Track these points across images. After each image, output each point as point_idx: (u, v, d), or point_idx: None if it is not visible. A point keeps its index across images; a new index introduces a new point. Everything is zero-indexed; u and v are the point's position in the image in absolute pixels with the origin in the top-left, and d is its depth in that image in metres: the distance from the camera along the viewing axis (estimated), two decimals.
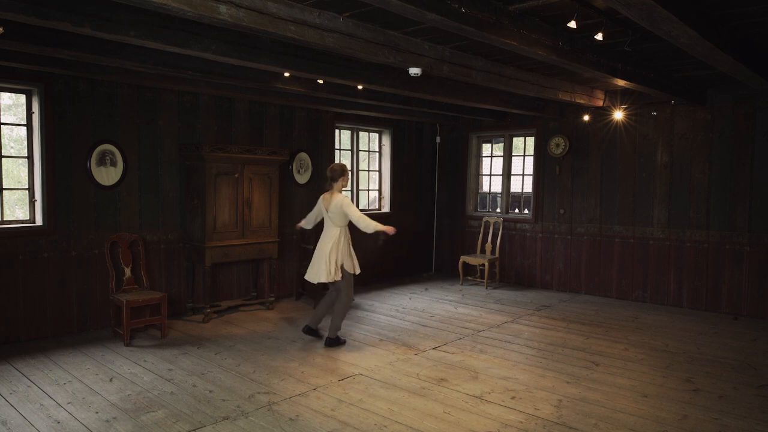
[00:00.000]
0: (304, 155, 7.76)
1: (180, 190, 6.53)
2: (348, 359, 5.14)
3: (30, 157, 5.59)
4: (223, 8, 3.28)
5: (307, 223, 5.84)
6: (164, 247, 6.44)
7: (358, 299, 7.62)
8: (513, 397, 4.27)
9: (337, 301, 5.52)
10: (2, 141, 5.56)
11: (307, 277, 5.53)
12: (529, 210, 8.95)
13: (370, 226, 5.35)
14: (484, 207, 9.60)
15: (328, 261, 5.34)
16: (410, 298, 7.75)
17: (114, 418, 3.84)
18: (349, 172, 5.61)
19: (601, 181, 7.97)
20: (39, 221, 5.58)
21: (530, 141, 8.78)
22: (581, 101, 6.85)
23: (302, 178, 7.76)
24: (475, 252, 9.09)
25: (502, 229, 8.76)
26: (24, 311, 5.46)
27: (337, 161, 8.35)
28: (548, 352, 5.41)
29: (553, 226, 8.45)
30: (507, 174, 9.09)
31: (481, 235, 8.92)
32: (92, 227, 5.85)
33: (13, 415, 3.87)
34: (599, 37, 4.20)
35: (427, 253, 9.87)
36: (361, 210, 8.93)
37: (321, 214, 5.61)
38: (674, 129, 7.36)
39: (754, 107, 6.75)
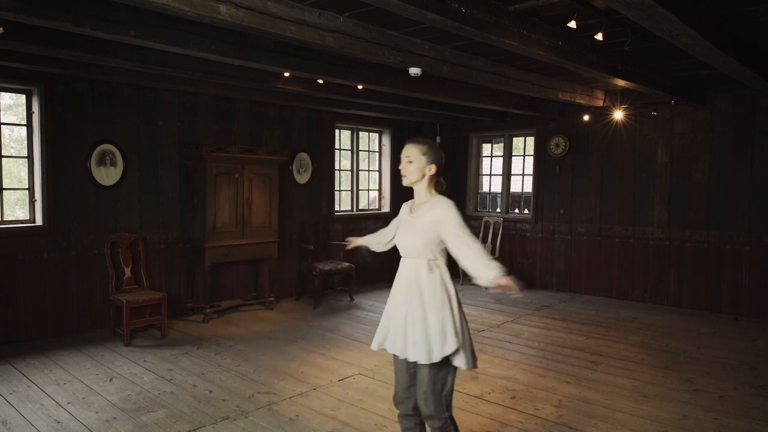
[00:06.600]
0: (304, 155, 7.76)
1: (180, 190, 6.53)
2: (348, 359, 5.13)
3: (30, 157, 5.58)
4: (223, 8, 3.28)
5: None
6: (164, 247, 6.44)
7: (358, 299, 7.62)
8: (513, 397, 4.27)
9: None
10: (2, 141, 5.56)
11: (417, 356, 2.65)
12: (529, 210, 8.95)
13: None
14: (484, 207, 9.60)
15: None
16: None
17: (114, 418, 3.84)
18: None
19: (601, 181, 7.97)
20: (39, 221, 5.58)
21: (530, 141, 8.78)
22: (581, 101, 6.85)
23: (302, 178, 7.76)
24: None
25: (502, 229, 8.76)
26: (24, 311, 5.46)
27: (336, 161, 8.35)
28: (548, 352, 5.41)
29: (553, 226, 8.45)
30: (507, 174, 9.09)
31: (481, 235, 8.92)
32: (92, 227, 5.85)
33: (13, 414, 3.87)
34: (599, 37, 4.20)
35: None
36: (361, 210, 8.94)
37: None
38: (674, 129, 7.36)
39: (754, 107, 6.75)
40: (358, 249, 3.46)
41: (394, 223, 3.06)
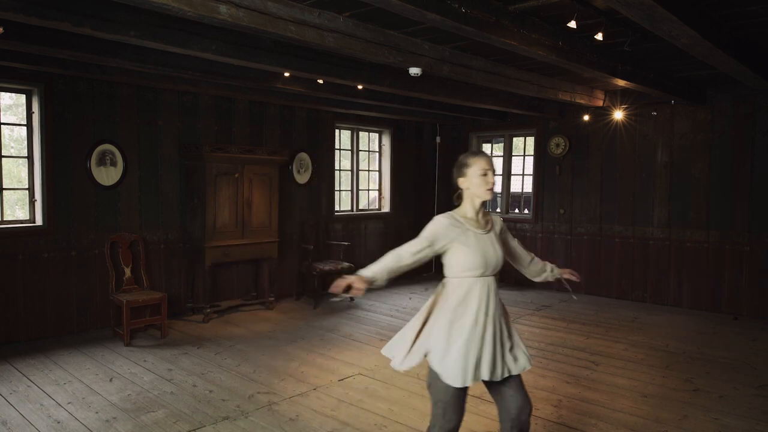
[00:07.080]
0: (304, 155, 7.76)
1: (180, 190, 6.53)
2: (348, 359, 5.13)
3: (30, 157, 5.58)
4: (223, 8, 3.28)
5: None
6: (164, 247, 6.44)
7: (358, 299, 7.61)
8: None
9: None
10: (2, 141, 5.56)
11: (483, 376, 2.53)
12: (529, 210, 8.95)
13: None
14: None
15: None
16: (410, 298, 7.75)
17: (114, 418, 3.84)
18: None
19: (601, 181, 7.96)
20: (39, 221, 5.58)
21: (530, 141, 8.78)
22: (581, 101, 6.85)
23: (302, 178, 7.76)
24: None
25: None
26: (24, 311, 5.46)
27: (336, 161, 8.35)
28: (548, 352, 5.41)
29: (553, 226, 8.45)
30: (507, 174, 9.09)
31: None
32: (92, 227, 5.85)
33: (13, 415, 3.87)
34: (599, 37, 4.20)
35: None
36: (361, 210, 8.94)
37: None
38: (674, 129, 7.36)
39: (754, 107, 6.75)
40: (350, 289, 2.62)
41: (436, 240, 2.56)
